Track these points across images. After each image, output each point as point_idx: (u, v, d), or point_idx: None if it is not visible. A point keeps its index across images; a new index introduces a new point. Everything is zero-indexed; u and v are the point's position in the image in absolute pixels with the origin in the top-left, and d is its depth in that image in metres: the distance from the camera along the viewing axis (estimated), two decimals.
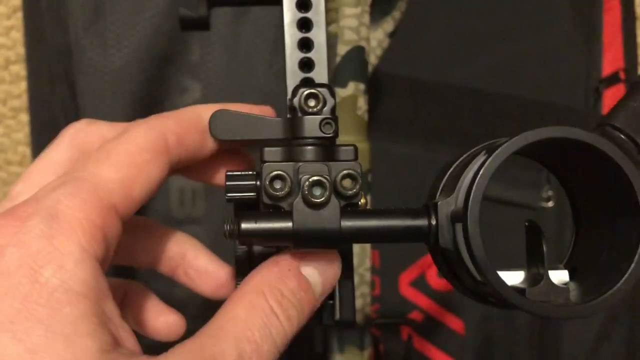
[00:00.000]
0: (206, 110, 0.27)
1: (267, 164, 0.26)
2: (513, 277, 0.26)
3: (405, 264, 0.55)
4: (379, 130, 0.55)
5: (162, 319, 0.31)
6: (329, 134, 0.26)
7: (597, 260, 0.25)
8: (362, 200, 0.26)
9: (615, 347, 0.54)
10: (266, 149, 0.26)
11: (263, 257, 0.27)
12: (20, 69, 0.57)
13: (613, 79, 0.54)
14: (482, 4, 0.56)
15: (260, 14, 0.51)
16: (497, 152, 0.23)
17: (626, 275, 0.23)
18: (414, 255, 0.55)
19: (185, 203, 0.53)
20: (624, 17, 0.55)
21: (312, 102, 0.26)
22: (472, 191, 0.23)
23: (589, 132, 0.24)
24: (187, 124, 0.27)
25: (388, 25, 0.42)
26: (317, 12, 0.29)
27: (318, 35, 0.29)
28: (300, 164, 0.26)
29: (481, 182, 0.23)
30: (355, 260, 0.40)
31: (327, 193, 0.25)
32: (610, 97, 0.55)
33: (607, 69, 0.55)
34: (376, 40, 0.42)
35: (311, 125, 0.26)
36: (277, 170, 0.25)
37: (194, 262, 0.31)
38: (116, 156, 0.24)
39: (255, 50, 0.51)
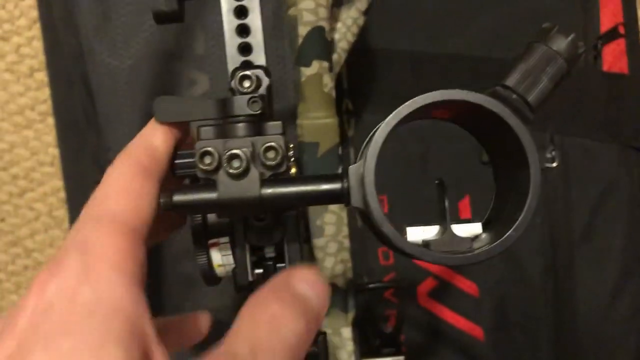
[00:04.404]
0: (153, 133, 0.29)
1: (200, 141, 0.28)
2: (427, 232, 0.27)
3: None
4: (381, 105, 0.56)
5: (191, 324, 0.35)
6: (256, 111, 0.28)
7: (502, 211, 0.27)
8: (293, 170, 0.28)
9: (630, 301, 0.55)
10: (202, 128, 0.28)
11: (218, 227, 0.29)
12: (43, 75, 0.61)
13: (612, 35, 0.54)
14: None
15: None
16: (388, 118, 0.25)
17: (516, 223, 0.24)
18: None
19: None
20: None
21: (246, 83, 0.28)
22: (367, 155, 0.25)
23: (478, 93, 0.25)
24: (149, 151, 0.28)
25: (361, 3, 0.43)
26: (251, 0, 0.31)
27: (254, 20, 0.31)
28: (228, 140, 0.27)
29: (374, 146, 0.25)
30: (333, 229, 0.41)
31: (244, 164, 0.27)
32: (610, 52, 0.54)
33: (605, 25, 0.54)
34: (351, 19, 0.43)
35: (240, 104, 0.28)
36: (205, 147, 0.27)
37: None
38: (114, 189, 0.26)
39: None
